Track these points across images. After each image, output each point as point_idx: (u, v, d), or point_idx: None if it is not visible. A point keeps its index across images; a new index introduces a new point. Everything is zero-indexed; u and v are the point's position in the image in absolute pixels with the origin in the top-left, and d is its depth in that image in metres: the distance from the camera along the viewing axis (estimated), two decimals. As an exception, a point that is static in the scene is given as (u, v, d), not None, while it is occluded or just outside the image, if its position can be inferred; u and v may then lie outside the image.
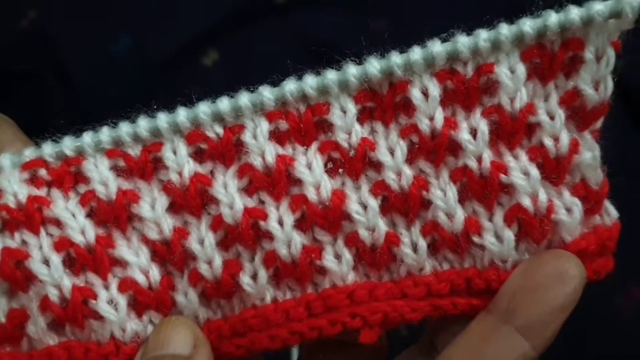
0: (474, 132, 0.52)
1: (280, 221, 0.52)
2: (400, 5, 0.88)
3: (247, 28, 0.89)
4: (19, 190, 0.53)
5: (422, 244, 0.53)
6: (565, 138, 0.52)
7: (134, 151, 0.54)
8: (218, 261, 0.53)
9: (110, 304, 0.53)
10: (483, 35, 0.51)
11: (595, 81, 0.52)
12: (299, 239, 0.52)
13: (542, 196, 0.52)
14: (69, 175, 0.54)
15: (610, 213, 0.56)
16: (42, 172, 0.54)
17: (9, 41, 0.91)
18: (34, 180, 0.54)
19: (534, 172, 0.52)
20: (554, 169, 0.53)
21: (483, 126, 0.52)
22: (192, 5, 0.91)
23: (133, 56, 0.88)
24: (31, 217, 0.53)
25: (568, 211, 0.53)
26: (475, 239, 0.53)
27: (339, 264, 0.53)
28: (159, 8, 0.90)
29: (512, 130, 0.52)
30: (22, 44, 0.91)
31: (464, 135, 0.52)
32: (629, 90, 0.82)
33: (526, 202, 0.52)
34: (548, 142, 0.52)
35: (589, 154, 0.54)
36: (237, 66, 0.87)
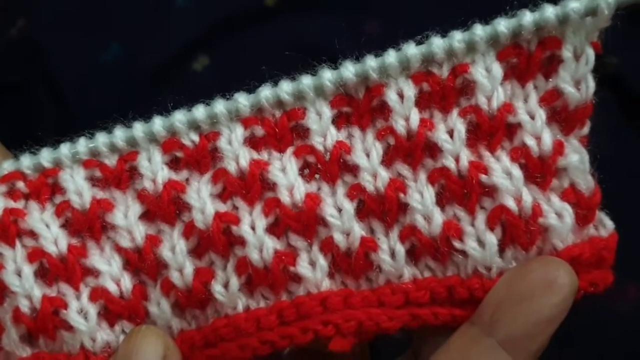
0: (451, 133, 0.51)
1: (252, 225, 0.51)
2: (393, 9, 0.87)
3: (238, 32, 0.88)
4: None
5: (400, 249, 0.52)
6: (547, 137, 0.51)
7: (111, 161, 0.54)
8: (189, 269, 0.52)
9: (81, 314, 0.52)
10: (457, 37, 0.51)
11: (576, 80, 0.51)
12: (270, 243, 0.51)
13: (527, 197, 0.50)
14: (46, 187, 0.54)
15: (606, 224, 0.54)
16: (20, 185, 0.54)
17: None
18: (11, 193, 0.54)
19: (516, 171, 0.51)
20: (537, 168, 0.51)
21: (460, 125, 0.51)
22: (182, 10, 0.91)
23: (123, 64, 0.88)
24: (7, 229, 0.52)
25: (558, 216, 0.51)
26: (457, 244, 0.51)
27: (313, 271, 0.52)
28: (148, 14, 0.90)
29: (490, 130, 0.51)
30: (11, 55, 0.92)
31: (440, 135, 0.51)
32: (626, 89, 0.80)
33: (509, 202, 0.50)
34: (529, 141, 0.51)
35: (576, 156, 0.52)
36: (228, 71, 0.87)
